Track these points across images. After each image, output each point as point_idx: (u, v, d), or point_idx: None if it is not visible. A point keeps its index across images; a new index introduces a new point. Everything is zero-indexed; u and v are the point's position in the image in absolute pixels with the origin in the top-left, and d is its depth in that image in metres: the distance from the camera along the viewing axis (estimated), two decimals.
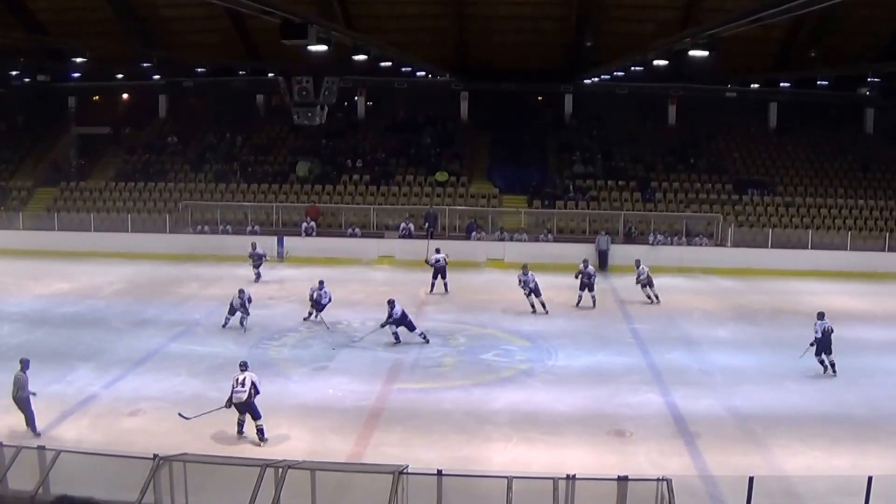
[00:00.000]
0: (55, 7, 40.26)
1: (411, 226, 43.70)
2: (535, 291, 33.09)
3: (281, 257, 42.07)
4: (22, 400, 21.15)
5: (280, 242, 42.89)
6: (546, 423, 22.15)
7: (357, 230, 44.43)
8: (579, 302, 34.23)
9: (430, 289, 36.74)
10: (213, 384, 24.72)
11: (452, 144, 51.17)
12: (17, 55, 37.16)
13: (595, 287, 34.61)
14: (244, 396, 20.65)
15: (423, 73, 45.71)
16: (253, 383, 20.80)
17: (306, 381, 25.49)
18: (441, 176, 48.13)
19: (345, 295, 34.85)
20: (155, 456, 15.57)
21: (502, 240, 43.70)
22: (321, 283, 31.53)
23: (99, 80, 50.31)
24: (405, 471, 15.09)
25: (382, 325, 28.67)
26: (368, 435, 21.45)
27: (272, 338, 29.84)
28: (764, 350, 28.75)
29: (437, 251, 37.06)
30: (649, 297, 35.44)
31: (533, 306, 33.13)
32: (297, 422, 22.22)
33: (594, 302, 34.30)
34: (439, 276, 36.74)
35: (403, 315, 28.48)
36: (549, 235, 44.10)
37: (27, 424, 21.11)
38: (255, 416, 20.85)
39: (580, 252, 39.60)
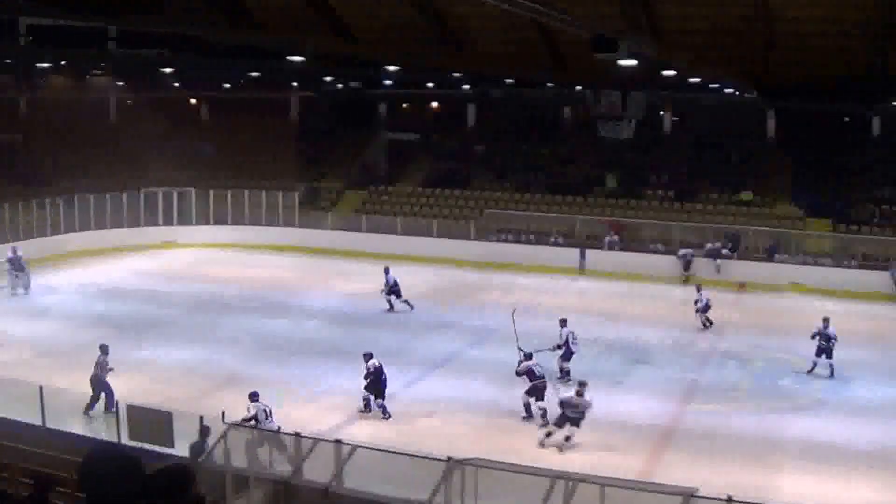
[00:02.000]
0: (368, 16, 41.35)
1: (718, 244, 42.38)
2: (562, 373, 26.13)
3: (582, 270, 41.84)
4: (99, 380, 23.03)
5: (582, 255, 42.64)
6: (839, 455, 21.18)
7: (659, 246, 43.66)
8: (812, 369, 27.81)
9: None
10: (508, 392, 24.85)
11: (757, 164, 49.73)
12: (332, 62, 38.32)
13: (833, 353, 27.59)
14: (276, 426, 19.71)
15: (729, 91, 44.59)
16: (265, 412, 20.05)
17: (601, 395, 25.02)
18: (745, 195, 46.82)
19: (644, 312, 34.35)
20: (448, 458, 15.81)
21: (805, 263, 41.95)
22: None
23: (409, 88, 51.45)
24: (695, 494, 14.84)
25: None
26: (659, 454, 21.25)
27: None
28: None
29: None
30: (703, 323, 32.98)
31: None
32: (590, 436, 21.97)
33: (832, 371, 27.52)
34: None
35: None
36: (853, 262, 42.03)
37: (91, 403, 22.74)
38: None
39: (882, 282, 37.70)
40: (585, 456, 20.58)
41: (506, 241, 45.56)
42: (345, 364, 26.98)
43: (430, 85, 48.92)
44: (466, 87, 47.04)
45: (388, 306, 34.76)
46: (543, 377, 23.51)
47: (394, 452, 17.35)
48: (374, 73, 40.56)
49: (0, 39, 36.49)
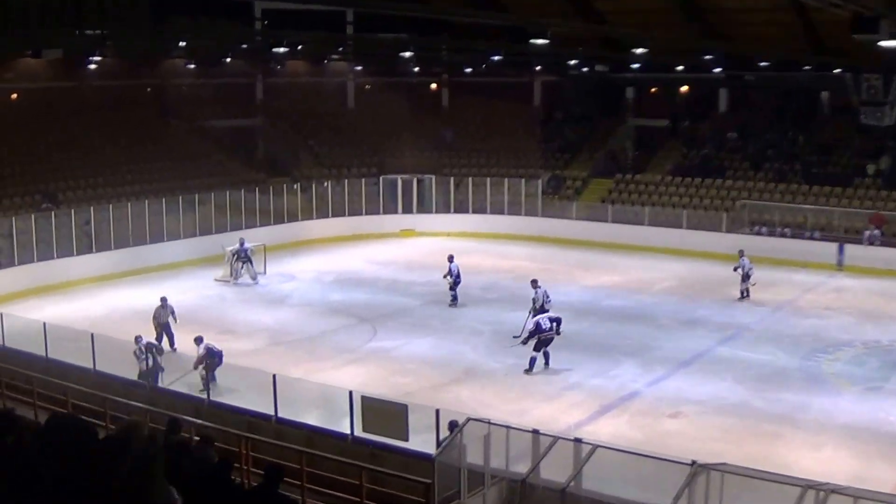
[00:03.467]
0: None
1: None
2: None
3: (840, 266, 39.70)
4: (158, 322, 27.04)
5: (840, 250, 40.54)
6: None
7: None
8: None
9: None
10: (758, 393, 24.30)
11: None
12: (577, 45, 37.38)
13: None
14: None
15: None
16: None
17: (858, 400, 24.08)
18: None
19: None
20: (693, 462, 15.33)
21: None
22: None
23: (657, 72, 50.07)
24: None
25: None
26: None
27: (825, 350, 28.18)
28: None
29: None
30: (742, 293, 34.20)
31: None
32: (844, 443, 21.34)
33: None
34: None
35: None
36: None
37: (158, 342, 25.79)
38: None
39: None
40: (838, 465, 19.68)
41: (760, 233, 43.76)
42: (589, 359, 26.80)
43: (680, 68, 47.42)
44: (718, 70, 45.42)
45: (451, 300, 33.75)
46: (552, 329, 25.89)
47: (636, 454, 16.91)
48: (621, 56, 39.36)
49: (236, 24, 36.97)
